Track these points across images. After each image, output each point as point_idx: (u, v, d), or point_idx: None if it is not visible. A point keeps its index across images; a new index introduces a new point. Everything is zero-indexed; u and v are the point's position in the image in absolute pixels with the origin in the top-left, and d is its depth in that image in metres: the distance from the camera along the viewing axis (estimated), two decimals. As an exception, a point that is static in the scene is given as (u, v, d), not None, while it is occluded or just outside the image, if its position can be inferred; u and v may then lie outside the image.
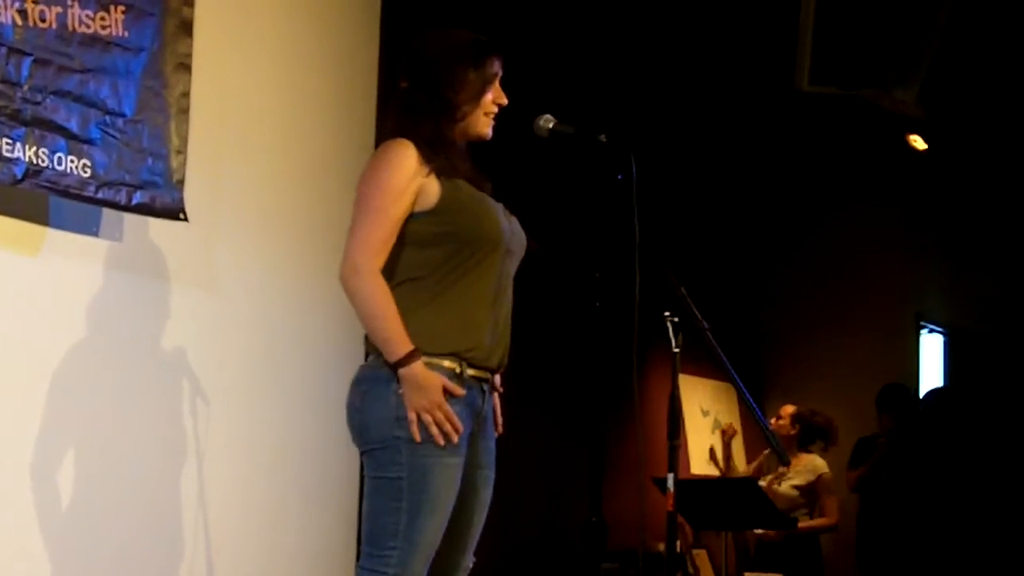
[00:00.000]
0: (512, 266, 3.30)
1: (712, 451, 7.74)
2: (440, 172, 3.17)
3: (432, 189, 3.16)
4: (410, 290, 3.14)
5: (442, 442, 3.05)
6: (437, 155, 3.17)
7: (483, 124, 3.28)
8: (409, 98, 3.25)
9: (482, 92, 3.24)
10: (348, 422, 3.19)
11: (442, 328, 3.13)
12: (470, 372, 3.16)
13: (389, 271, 3.14)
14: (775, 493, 6.65)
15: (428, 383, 3.04)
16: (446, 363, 3.13)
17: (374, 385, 3.11)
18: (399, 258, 3.15)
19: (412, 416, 3.04)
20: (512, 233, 3.28)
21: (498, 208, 3.28)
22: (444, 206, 3.16)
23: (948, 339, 9.19)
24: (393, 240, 3.13)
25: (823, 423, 6.97)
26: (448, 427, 3.05)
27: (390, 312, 3.06)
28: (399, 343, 3.05)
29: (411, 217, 3.15)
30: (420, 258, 3.16)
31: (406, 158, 3.14)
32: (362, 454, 3.17)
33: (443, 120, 3.22)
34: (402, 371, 3.05)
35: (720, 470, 7.62)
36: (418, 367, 3.04)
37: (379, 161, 3.17)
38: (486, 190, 3.30)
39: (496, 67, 3.27)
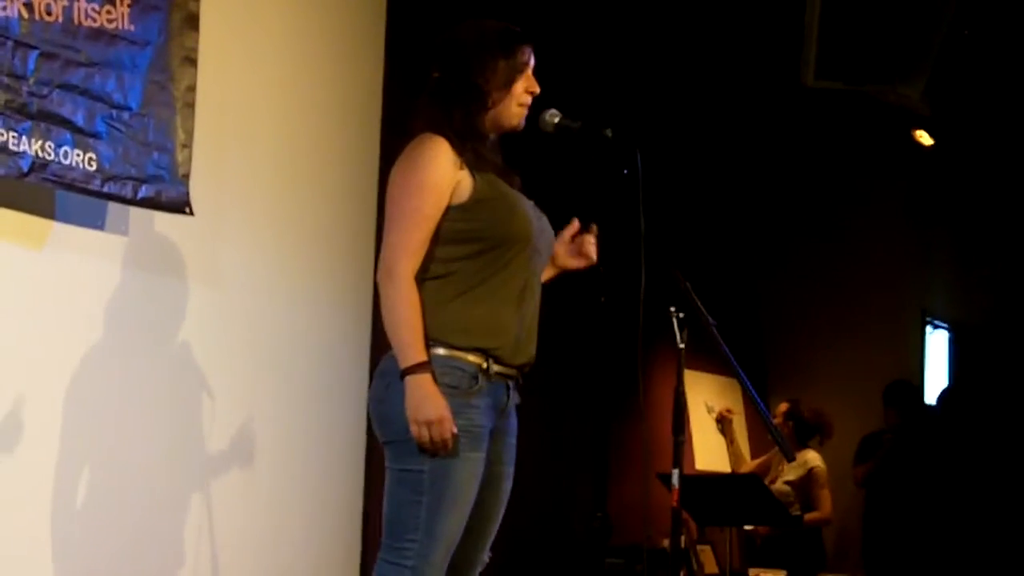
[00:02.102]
0: (540, 265, 3.29)
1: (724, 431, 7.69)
2: (471, 166, 3.16)
3: (465, 184, 3.15)
4: (439, 286, 3.13)
5: (430, 449, 3.02)
6: (467, 148, 3.16)
7: (515, 115, 3.26)
8: (440, 88, 3.24)
9: (512, 80, 3.22)
10: (370, 412, 3.19)
11: (469, 324, 3.12)
12: (496, 368, 3.15)
13: (420, 266, 3.13)
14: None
15: (434, 399, 3.02)
16: (472, 358, 3.12)
17: (398, 378, 3.08)
18: (430, 253, 3.13)
19: (414, 430, 3.02)
20: (541, 231, 3.27)
21: (528, 205, 3.27)
22: (475, 202, 3.15)
23: (953, 335, 9.17)
24: (428, 240, 3.12)
25: (813, 418, 6.95)
26: (439, 445, 3.02)
27: (413, 320, 3.05)
28: (413, 353, 3.03)
29: (444, 212, 3.14)
30: (450, 254, 3.14)
31: (440, 155, 3.12)
32: (383, 445, 3.16)
33: (474, 109, 3.21)
34: (408, 379, 3.03)
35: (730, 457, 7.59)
36: (426, 380, 3.02)
37: (413, 159, 3.15)
38: (515, 185, 3.28)
39: (526, 55, 3.25)
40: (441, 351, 3.09)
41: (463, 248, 3.15)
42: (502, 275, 3.16)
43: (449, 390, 3.06)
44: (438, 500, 3.05)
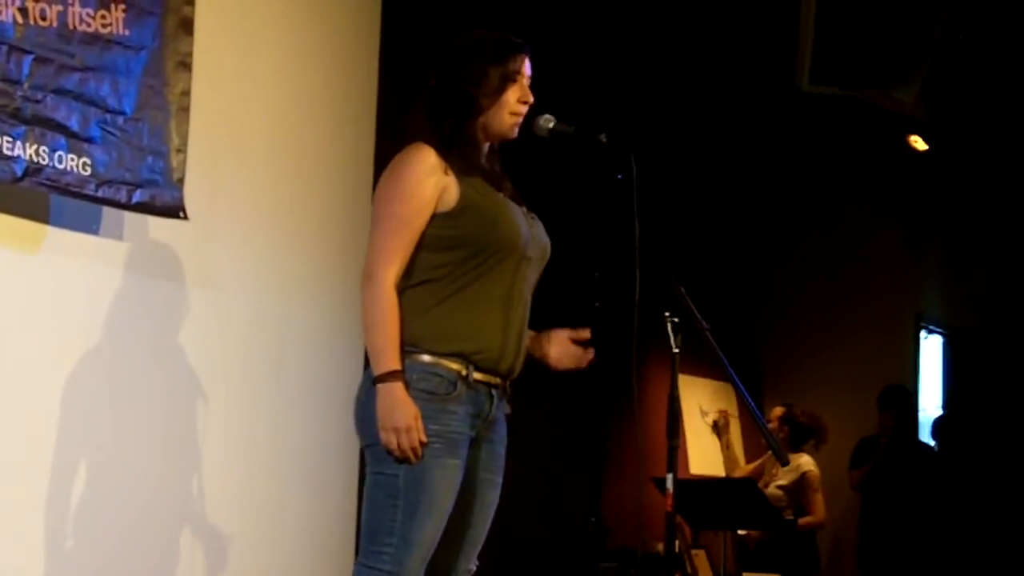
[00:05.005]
0: (531, 271, 3.26)
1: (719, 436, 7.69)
2: (458, 172, 3.16)
3: (452, 190, 3.14)
4: (424, 292, 3.13)
5: (398, 456, 3.03)
6: (456, 155, 3.17)
7: (507, 123, 3.24)
8: (433, 96, 3.25)
9: (502, 88, 3.21)
10: (354, 415, 3.18)
11: (450, 329, 3.12)
12: (477, 375, 3.14)
13: (407, 273, 3.13)
14: None
15: (403, 407, 3.02)
16: (452, 364, 3.11)
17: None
18: (415, 260, 3.14)
19: (383, 436, 3.03)
20: (532, 238, 3.25)
21: (517, 211, 3.25)
22: (461, 208, 3.14)
23: (948, 340, 9.18)
24: (412, 246, 3.11)
25: (808, 422, 6.95)
26: (408, 453, 3.03)
27: (388, 326, 3.06)
28: (386, 359, 3.04)
29: (431, 219, 3.13)
30: (435, 260, 3.14)
31: (422, 162, 3.12)
32: (364, 448, 3.17)
33: (464, 117, 3.21)
34: (380, 386, 3.04)
35: (725, 461, 7.59)
36: (397, 388, 3.03)
37: (396, 166, 3.16)
38: (506, 192, 3.27)
39: (518, 64, 3.23)
40: (422, 357, 3.10)
41: (447, 255, 3.14)
42: (486, 281, 3.15)
43: (426, 395, 3.07)
44: (413, 505, 3.05)
